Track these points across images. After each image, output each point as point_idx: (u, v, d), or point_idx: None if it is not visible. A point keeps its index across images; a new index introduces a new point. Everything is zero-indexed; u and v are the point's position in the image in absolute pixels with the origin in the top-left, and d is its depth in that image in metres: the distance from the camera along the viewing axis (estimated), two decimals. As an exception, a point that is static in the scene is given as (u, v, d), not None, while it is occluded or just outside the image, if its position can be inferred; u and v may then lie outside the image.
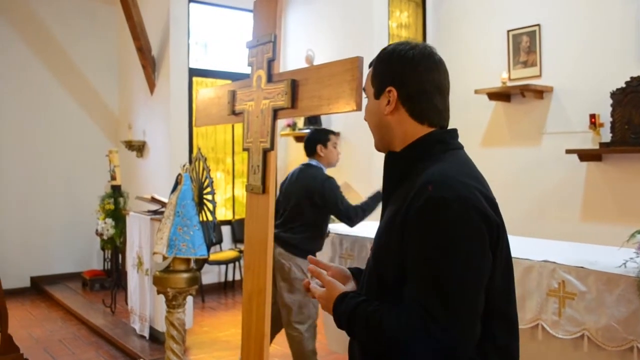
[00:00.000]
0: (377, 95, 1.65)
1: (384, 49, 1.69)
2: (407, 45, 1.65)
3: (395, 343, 1.39)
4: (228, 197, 8.20)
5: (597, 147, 5.57)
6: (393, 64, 1.63)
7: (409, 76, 1.60)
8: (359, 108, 1.97)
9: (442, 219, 1.38)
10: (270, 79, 2.47)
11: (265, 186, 2.48)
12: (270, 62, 2.47)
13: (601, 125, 5.52)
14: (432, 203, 1.39)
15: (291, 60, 7.48)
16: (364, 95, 1.77)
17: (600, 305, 2.89)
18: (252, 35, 2.62)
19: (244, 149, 2.63)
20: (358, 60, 1.99)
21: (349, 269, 1.80)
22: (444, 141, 1.60)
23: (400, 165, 1.61)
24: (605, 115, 5.49)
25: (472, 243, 1.39)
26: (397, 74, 1.61)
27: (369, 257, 1.65)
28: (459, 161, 1.58)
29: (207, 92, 3.08)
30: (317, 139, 4.43)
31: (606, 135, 5.50)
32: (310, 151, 4.42)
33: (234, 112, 2.71)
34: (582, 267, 2.99)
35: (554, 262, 3.10)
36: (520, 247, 3.61)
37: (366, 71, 1.78)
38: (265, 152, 2.47)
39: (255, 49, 2.56)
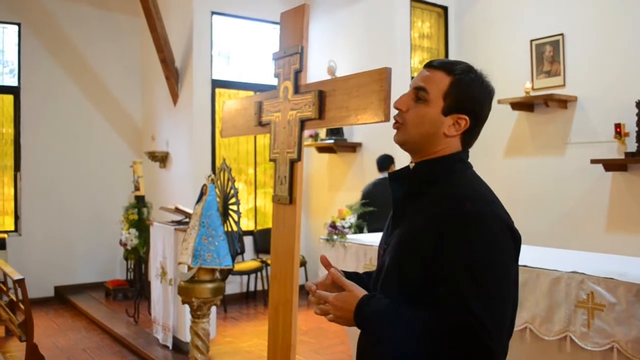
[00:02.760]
0: (447, 112, 1.65)
1: (471, 70, 1.68)
2: (484, 75, 1.69)
3: (434, 343, 1.46)
4: (250, 208, 8.22)
5: (622, 156, 5.51)
6: (482, 95, 1.68)
7: (485, 112, 1.69)
8: (387, 119, 1.97)
9: (483, 233, 1.50)
10: (297, 90, 2.47)
11: (292, 197, 2.48)
12: (297, 73, 2.48)
13: (626, 134, 5.47)
14: (472, 218, 1.51)
15: (313, 70, 7.50)
16: (418, 95, 1.68)
17: (630, 317, 2.85)
18: (279, 46, 2.63)
19: (270, 160, 2.64)
20: (386, 71, 1.99)
21: (343, 272, 1.83)
22: (463, 160, 1.70)
23: (424, 178, 1.68)
24: (631, 125, 5.43)
25: (505, 255, 1.53)
26: (478, 106, 1.67)
27: (385, 260, 1.69)
28: (479, 180, 1.69)
29: (233, 103, 3.09)
30: (391, 159, 6.40)
31: (631, 145, 5.44)
32: (385, 167, 6.34)
33: (260, 123, 2.72)
34: (611, 278, 2.95)
35: (583, 273, 3.07)
36: (548, 257, 3.58)
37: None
38: (292, 163, 2.48)
39: (282, 60, 2.57)
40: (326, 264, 1.77)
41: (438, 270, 1.50)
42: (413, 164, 1.74)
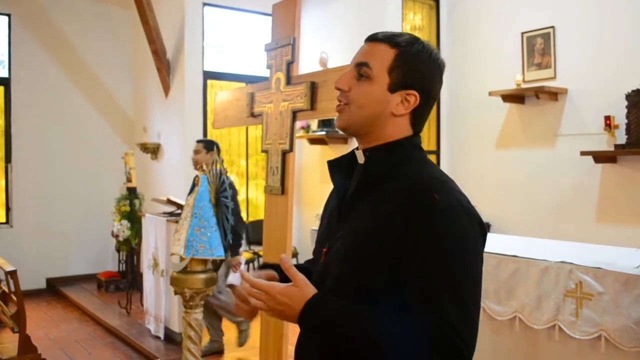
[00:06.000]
0: (394, 89, 1.47)
1: (416, 41, 1.51)
2: (432, 47, 1.52)
3: (401, 352, 1.30)
4: (242, 199, 8.23)
5: (612, 148, 5.55)
6: (431, 68, 1.50)
7: (435, 87, 1.52)
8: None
9: (456, 229, 1.37)
10: (289, 81, 2.49)
11: (284, 187, 2.51)
12: (290, 65, 2.50)
13: (616, 126, 5.51)
14: (442, 211, 1.36)
15: (304, 62, 7.48)
16: (360, 71, 1.50)
17: (618, 306, 2.89)
18: (271, 37, 2.64)
19: (262, 151, 2.66)
20: (377, 63, 2.00)
21: (269, 265, 1.69)
22: (420, 147, 1.55)
23: (382, 165, 1.49)
24: (620, 117, 5.47)
25: (477, 253, 1.41)
26: (427, 80, 1.50)
27: (329, 262, 1.52)
28: (439, 169, 1.54)
29: (226, 94, 3.10)
30: None
31: (621, 137, 5.48)
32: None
33: (252, 114, 2.74)
34: (599, 268, 2.99)
35: (571, 263, 3.10)
36: (537, 248, 3.62)
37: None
38: (284, 154, 2.50)
39: (274, 52, 2.59)
40: (284, 260, 1.45)
41: (406, 273, 1.35)
42: (360, 151, 1.55)
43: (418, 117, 1.52)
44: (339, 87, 1.52)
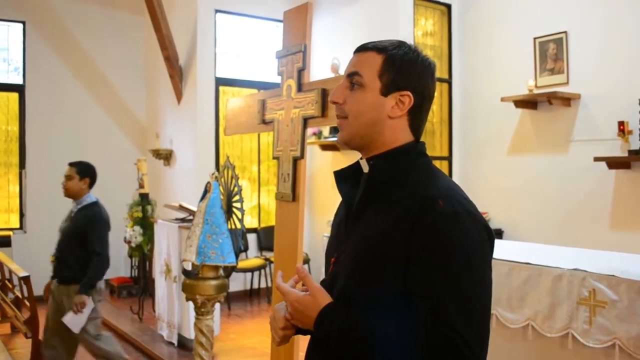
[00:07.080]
0: (386, 92, 1.49)
1: (403, 44, 1.53)
2: (419, 49, 1.55)
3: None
4: (254, 205, 8.24)
5: (625, 154, 5.51)
6: (420, 68, 1.52)
7: (429, 88, 1.53)
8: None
9: (460, 234, 1.35)
10: (300, 88, 2.50)
11: (295, 194, 2.51)
12: (301, 72, 2.50)
13: (630, 132, 5.47)
14: (446, 217, 1.35)
15: (316, 69, 7.51)
16: (352, 81, 1.52)
17: (632, 314, 2.86)
18: (282, 45, 2.65)
19: (273, 157, 2.67)
20: (388, 69, 2.00)
21: None
22: (425, 154, 1.56)
23: (387, 173, 1.49)
24: (634, 123, 5.43)
25: (484, 258, 1.40)
26: (419, 81, 1.51)
27: (338, 271, 1.52)
28: (446, 176, 1.54)
29: (237, 101, 3.11)
30: None
31: (635, 143, 5.44)
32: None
33: (264, 121, 2.75)
34: (613, 276, 2.96)
35: (585, 271, 3.08)
36: (550, 255, 3.59)
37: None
38: (295, 161, 2.50)
39: (285, 59, 2.59)
40: (300, 270, 1.52)
41: (412, 281, 1.35)
42: (364, 160, 1.56)
43: (416, 119, 1.53)
44: (334, 101, 1.54)
